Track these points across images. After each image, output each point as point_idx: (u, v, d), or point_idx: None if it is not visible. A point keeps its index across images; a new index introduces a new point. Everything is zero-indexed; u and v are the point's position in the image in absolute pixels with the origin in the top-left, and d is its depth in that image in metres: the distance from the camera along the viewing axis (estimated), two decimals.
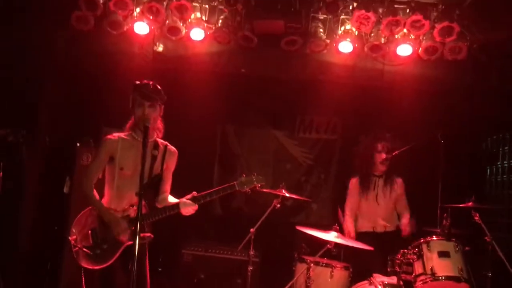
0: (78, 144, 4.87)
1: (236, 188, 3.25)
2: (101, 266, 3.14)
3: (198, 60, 5.39)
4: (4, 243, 4.03)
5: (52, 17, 4.93)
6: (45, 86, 5.14)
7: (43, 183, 4.96)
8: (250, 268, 4.66)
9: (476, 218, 4.28)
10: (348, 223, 4.92)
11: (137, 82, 3.29)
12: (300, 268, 4.40)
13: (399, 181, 4.89)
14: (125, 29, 4.93)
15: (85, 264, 3.18)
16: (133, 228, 3.03)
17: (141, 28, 4.96)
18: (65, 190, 4.82)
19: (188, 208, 3.21)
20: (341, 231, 4.43)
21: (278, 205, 4.61)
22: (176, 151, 3.47)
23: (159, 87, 3.30)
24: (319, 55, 5.25)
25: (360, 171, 4.94)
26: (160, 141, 3.42)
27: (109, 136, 3.31)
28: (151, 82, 3.29)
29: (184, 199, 3.23)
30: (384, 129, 5.03)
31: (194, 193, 3.25)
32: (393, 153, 4.72)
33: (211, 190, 3.24)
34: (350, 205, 4.97)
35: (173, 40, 5.12)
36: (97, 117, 5.33)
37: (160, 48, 5.33)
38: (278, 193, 4.63)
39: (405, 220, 4.81)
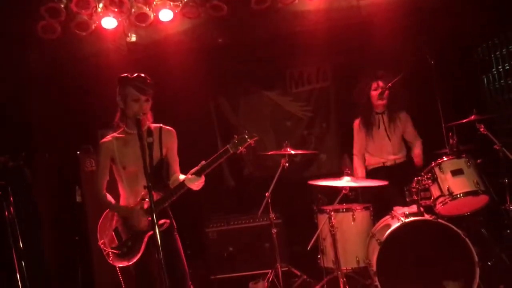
0: (78, 153, 4.87)
1: (231, 151, 3.11)
2: (132, 262, 3.20)
3: (174, 41, 5.30)
4: (31, 266, 4.09)
5: (19, 34, 4.84)
6: (31, 104, 5.10)
7: (54, 199, 5.00)
8: (274, 230, 4.73)
9: (482, 129, 4.29)
10: (357, 164, 4.97)
11: (127, 75, 3.21)
12: (322, 219, 4.46)
13: (403, 115, 4.90)
14: (93, 27, 4.81)
15: (118, 264, 3.26)
16: (150, 218, 3.05)
17: (109, 22, 4.85)
18: (78, 199, 4.86)
19: (195, 183, 3.13)
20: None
21: (287, 164, 4.65)
22: (173, 130, 3.41)
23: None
24: (292, 7, 5.13)
25: (361, 112, 4.94)
26: (153, 125, 3.35)
27: (103, 140, 3.31)
28: (142, 75, 3.23)
29: (188, 175, 3.16)
30: (374, 66, 4.99)
31: (203, 162, 3.14)
32: (387, 85, 4.70)
33: (208, 160, 3.12)
34: (357, 146, 5.01)
35: (143, 27, 5.00)
36: (90, 122, 5.31)
37: (133, 38, 5.24)
38: (284, 152, 4.64)
39: (417, 150, 4.84)
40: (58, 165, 5.08)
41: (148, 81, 3.22)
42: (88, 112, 5.43)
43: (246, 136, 3.12)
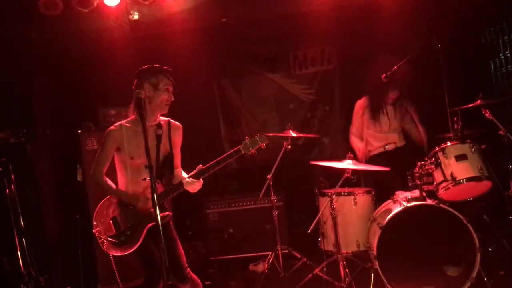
0: (79, 132, 4.84)
1: (242, 152, 3.20)
2: (129, 251, 3.19)
3: (177, 19, 5.24)
4: (32, 243, 4.10)
5: (21, 11, 4.78)
6: (33, 80, 5.04)
7: (55, 176, 4.99)
8: (275, 212, 4.73)
9: (487, 114, 4.24)
10: (356, 142, 4.93)
11: (165, 68, 3.27)
12: (323, 202, 4.44)
13: (408, 103, 4.83)
14: (95, 4, 4.75)
15: (113, 252, 3.24)
16: (152, 209, 3.06)
17: None
18: (79, 178, 4.83)
19: (192, 186, 3.19)
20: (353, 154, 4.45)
21: (289, 147, 4.64)
22: (181, 126, 3.44)
23: None
24: None
25: (371, 99, 4.87)
26: (162, 119, 3.36)
27: (112, 128, 3.27)
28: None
29: (186, 178, 3.20)
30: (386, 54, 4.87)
31: (200, 166, 3.19)
32: (389, 73, 4.58)
33: (217, 160, 3.17)
34: (356, 125, 4.96)
35: (147, 5, 4.93)
36: (91, 100, 5.27)
37: (136, 16, 5.17)
38: (286, 134, 4.61)
39: (419, 129, 4.75)
40: (59, 142, 5.05)
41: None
42: (89, 90, 5.39)
43: (258, 139, 3.24)
